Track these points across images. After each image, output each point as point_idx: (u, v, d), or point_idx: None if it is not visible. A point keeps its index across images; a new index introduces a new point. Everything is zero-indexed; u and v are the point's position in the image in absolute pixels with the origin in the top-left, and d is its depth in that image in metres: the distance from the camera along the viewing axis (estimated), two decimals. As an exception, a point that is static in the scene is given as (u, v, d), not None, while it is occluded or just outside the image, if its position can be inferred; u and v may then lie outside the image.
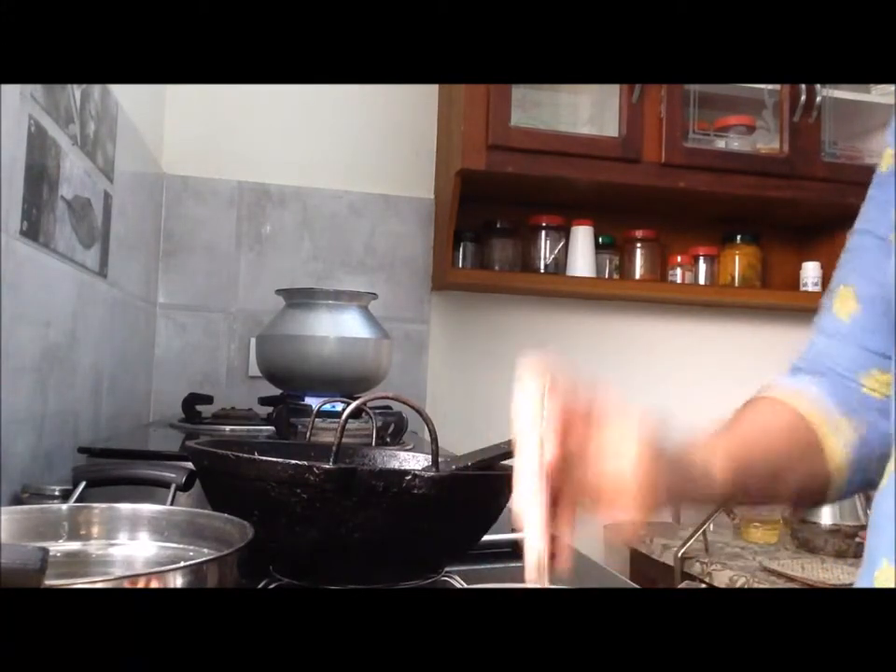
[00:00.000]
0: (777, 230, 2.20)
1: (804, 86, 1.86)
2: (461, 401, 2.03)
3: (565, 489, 0.51)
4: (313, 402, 1.36)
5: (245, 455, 0.64)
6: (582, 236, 2.00)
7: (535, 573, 0.48)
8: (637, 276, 2.08)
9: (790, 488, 0.65)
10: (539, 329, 2.08)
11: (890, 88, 1.92)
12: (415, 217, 2.03)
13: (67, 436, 1.16)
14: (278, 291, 1.60)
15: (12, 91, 0.89)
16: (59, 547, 0.59)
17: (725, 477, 0.58)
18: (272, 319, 1.60)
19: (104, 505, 0.62)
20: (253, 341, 1.81)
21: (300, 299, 1.55)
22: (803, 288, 2.13)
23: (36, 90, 0.96)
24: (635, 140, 1.81)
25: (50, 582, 0.40)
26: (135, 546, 0.61)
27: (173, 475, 0.73)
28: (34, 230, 0.97)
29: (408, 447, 1.19)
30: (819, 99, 1.87)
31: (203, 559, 0.52)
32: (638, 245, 2.09)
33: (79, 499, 0.71)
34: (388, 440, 1.27)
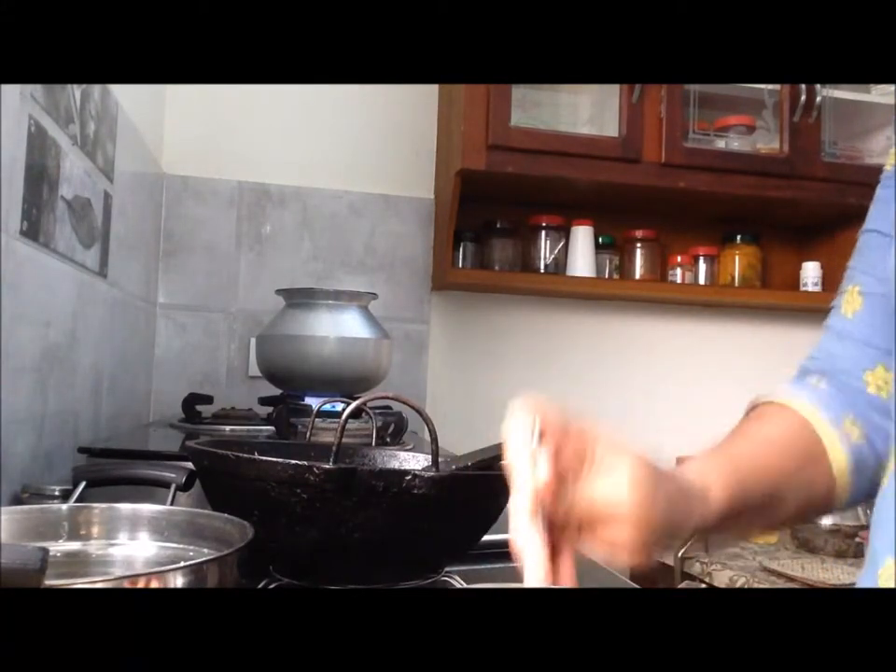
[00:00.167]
0: (777, 230, 2.20)
1: (804, 86, 1.86)
2: (461, 401, 2.03)
3: (563, 524, 0.50)
4: (313, 402, 1.36)
5: (245, 455, 0.64)
6: (582, 236, 2.00)
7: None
8: (637, 276, 2.08)
9: (793, 502, 0.64)
10: (538, 329, 2.08)
11: (890, 88, 1.92)
12: (415, 216, 2.03)
13: (67, 436, 1.16)
14: (278, 291, 1.60)
15: (12, 90, 0.89)
16: (59, 547, 0.59)
17: (720, 512, 0.57)
18: (272, 319, 1.60)
19: (104, 505, 0.62)
20: (253, 341, 1.81)
21: (300, 299, 1.55)
22: (803, 288, 2.13)
23: (36, 90, 0.96)
24: (635, 140, 1.81)
25: (50, 582, 0.40)
26: (135, 546, 0.61)
27: (173, 475, 0.73)
28: (34, 230, 0.97)
29: (408, 447, 1.19)
30: (819, 99, 1.87)
31: (203, 559, 0.52)
32: (638, 244, 2.09)
33: (79, 499, 0.71)
34: (388, 440, 1.27)
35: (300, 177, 1.99)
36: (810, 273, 2.12)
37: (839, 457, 0.65)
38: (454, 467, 0.70)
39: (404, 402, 0.72)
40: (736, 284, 2.10)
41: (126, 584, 0.45)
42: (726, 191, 1.88)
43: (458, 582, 0.68)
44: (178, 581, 0.46)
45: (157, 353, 1.91)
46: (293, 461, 0.61)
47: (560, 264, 2.02)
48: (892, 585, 0.55)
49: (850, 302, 0.70)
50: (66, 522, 0.61)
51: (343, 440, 0.65)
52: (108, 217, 1.33)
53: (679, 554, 1.69)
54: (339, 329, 1.50)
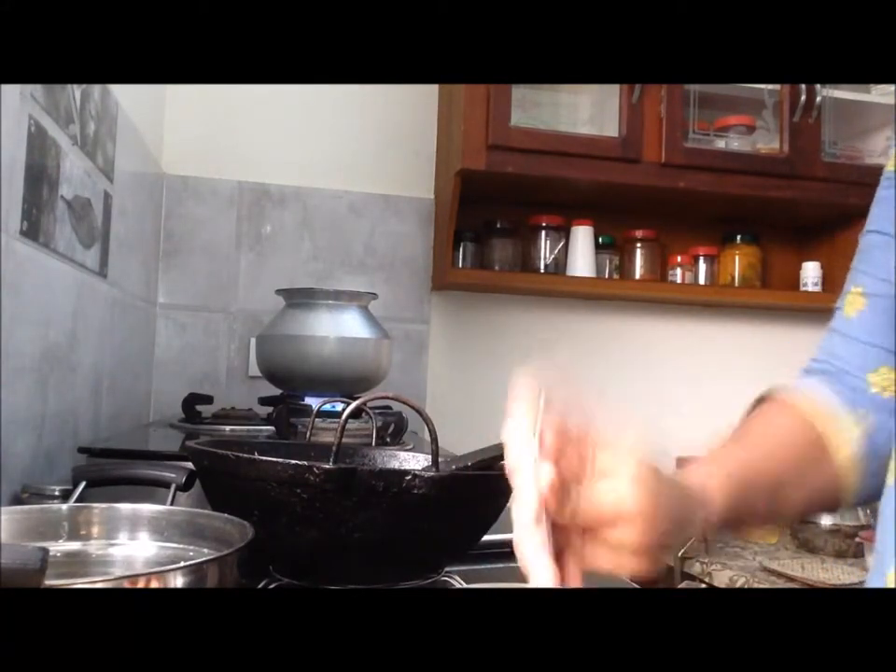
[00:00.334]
0: (777, 230, 2.20)
1: (804, 86, 1.86)
2: (461, 401, 2.03)
3: (567, 529, 0.49)
4: (313, 402, 1.36)
5: (245, 455, 0.64)
6: (582, 236, 2.00)
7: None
8: (637, 276, 2.08)
9: (795, 502, 0.64)
10: (538, 329, 2.08)
11: (890, 88, 1.92)
12: (415, 216, 2.03)
13: (67, 436, 1.16)
14: (278, 291, 1.60)
15: (12, 90, 0.89)
16: (59, 547, 0.59)
17: (722, 513, 0.57)
18: (272, 319, 1.60)
19: (104, 505, 0.62)
20: (253, 341, 1.81)
21: (300, 299, 1.55)
22: (803, 288, 2.13)
23: (36, 90, 0.96)
24: (635, 140, 1.81)
25: (50, 582, 0.40)
26: (135, 546, 0.61)
27: (173, 475, 0.73)
28: (34, 230, 0.97)
29: (408, 447, 1.19)
30: (819, 99, 1.87)
31: (203, 559, 0.52)
32: (638, 244, 2.09)
33: (79, 499, 0.71)
34: (388, 440, 1.27)
35: (300, 177, 1.99)
36: (810, 272, 2.12)
37: (844, 451, 0.65)
38: (454, 467, 0.70)
39: (404, 402, 0.72)
40: (736, 284, 2.10)
41: (126, 584, 0.45)
42: (726, 191, 1.88)
43: (458, 582, 0.68)
44: (178, 581, 0.46)
45: (157, 353, 1.90)
46: (293, 461, 0.61)
47: (560, 264, 2.02)
48: None
49: (853, 303, 0.70)
50: (66, 522, 0.61)
51: (343, 440, 0.65)
52: (108, 217, 1.33)
53: (679, 554, 1.68)
54: (339, 328, 1.50)
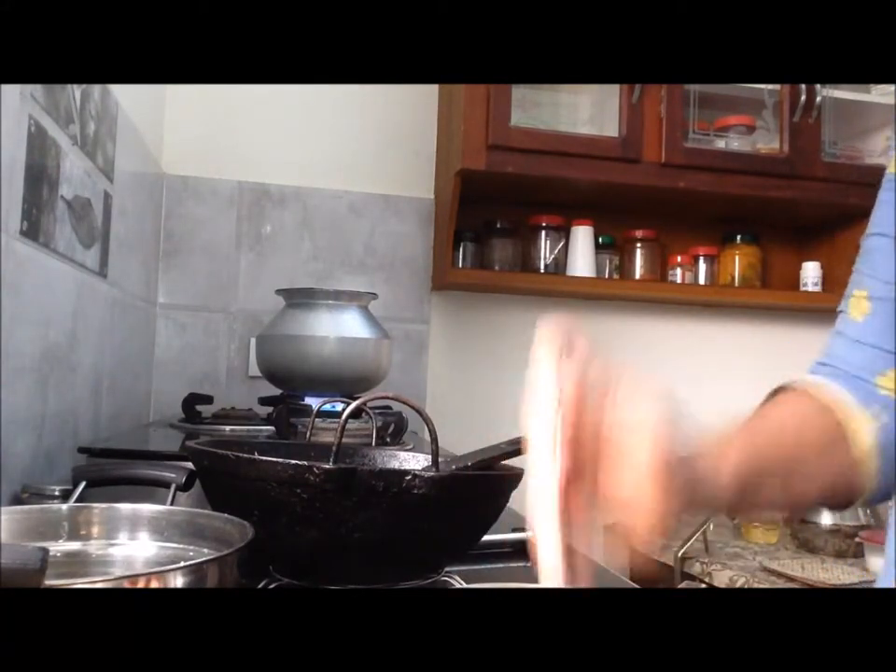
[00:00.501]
0: (777, 230, 2.20)
1: (804, 86, 1.86)
2: (461, 401, 2.03)
3: (579, 483, 0.50)
4: (313, 402, 1.36)
5: (245, 455, 0.64)
6: (582, 236, 2.00)
7: (548, 574, 0.47)
8: (637, 276, 2.08)
9: (810, 488, 0.63)
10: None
11: (890, 88, 1.92)
12: (415, 216, 2.03)
13: (67, 436, 1.16)
14: (278, 291, 1.60)
15: (12, 90, 0.89)
16: (59, 547, 0.59)
17: (734, 478, 0.56)
18: (272, 319, 1.60)
19: (104, 505, 0.62)
20: (253, 341, 1.81)
21: (300, 299, 1.55)
22: (803, 288, 2.13)
23: (36, 90, 0.96)
24: (635, 140, 1.81)
25: (50, 582, 0.40)
26: (135, 546, 0.61)
27: (173, 475, 0.73)
28: (34, 230, 0.97)
29: (408, 447, 1.19)
30: (819, 99, 1.87)
31: (203, 559, 0.52)
32: (638, 244, 2.09)
33: (79, 499, 0.71)
34: (388, 440, 1.27)
35: (300, 177, 1.99)
36: (810, 272, 2.12)
37: (864, 438, 0.64)
38: (454, 467, 0.70)
39: (404, 402, 0.72)
40: (736, 284, 2.10)
41: (126, 584, 0.45)
42: (726, 191, 1.88)
43: (458, 582, 0.68)
44: (178, 581, 0.46)
45: (157, 353, 1.91)
46: (293, 461, 0.61)
47: (560, 264, 2.02)
48: None
49: (858, 307, 0.69)
50: (66, 522, 0.61)
51: (343, 440, 0.65)
52: (108, 217, 1.33)
53: (679, 554, 1.69)
54: (339, 329, 1.50)
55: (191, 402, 1.51)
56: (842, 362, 0.69)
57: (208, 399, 1.57)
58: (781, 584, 1.52)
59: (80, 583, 0.44)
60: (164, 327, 1.92)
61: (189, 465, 0.72)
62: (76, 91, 1.11)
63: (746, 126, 2.01)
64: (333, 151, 2.01)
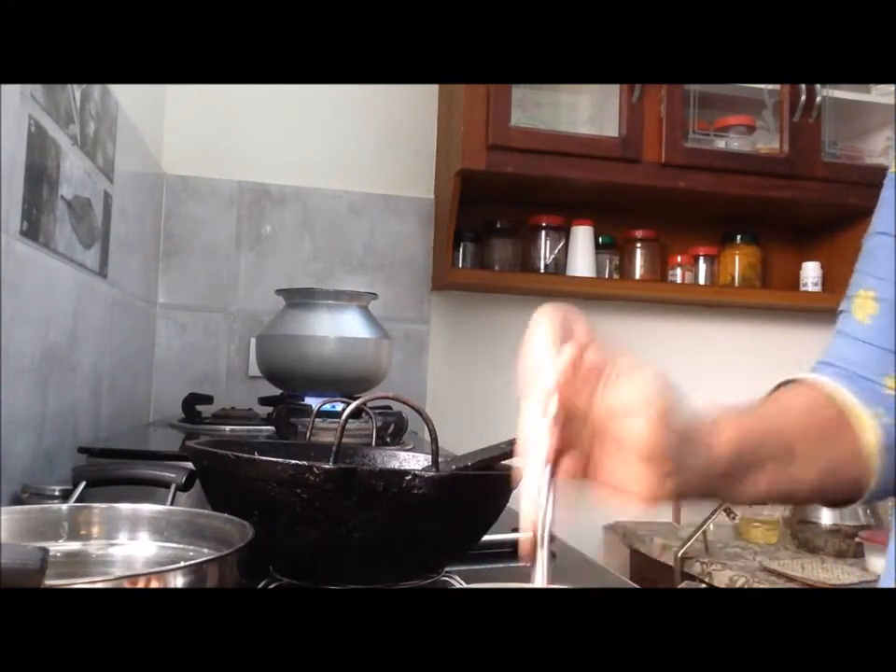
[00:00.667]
0: (777, 230, 2.20)
1: (804, 86, 1.86)
2: (461, 401, 2.03)
3: (572, 446, 0.50)
4: (313, 402, 1.36)
5: (245, 455, 0.64)
6: (582, 236, 2.00)
7: (529, 548, 0.47)
8: (637, 276, 2.08)
9: (813, 472, 0.62)
10: (538, 329, 2.08)
11: (890, 88, 1.92)
12: (415, 216, 2.04)
13: (67, 436, 1.16)
14: (278, 291, 1.60)
15: (12, 90, 0.89)
16: (59, 547, 0.59)
17: (729, 449, 0.56)
18: (272, 319, 1.60)
19: (104, 505, 0.62)
20: (253, 341, 1.81)
21: (300, 299, 1.55)
22: (803, 288, 2.13)
23: (36, 90, 0.96)
24: (635, 140, 1.81)
25: (50, 582, 0.40)
26: (135, 546, 0.61)
27: (173, 475, 0.73)
28: (34, 230, 0.97)
29: (408, 447, 1.19)
30: (819, 99, 1.87)
31: (203, 559, 0.52)
32: (638, 244, 2.09)
33: (79, 499, 0.71)
34: (388, 440, 1.27)
35: (300, 177, 1.99)
36: (810, 272, 2.12)
37: (868, 435, 0.63)
38: (454, 467, 0.70)
39: (404, 402, 0.72)
40: (736, 284, 2.10)
41: (126, 584, 0.45)
42: (726, 191, 1.88)
43: (458, 582, 0.68)
44: (178, 581, 0.46)
45: (157, 353, 1.91)
46: (293, 461, 0.61)
47: (560, 264, 2.02)
48: None
49: (863, 307, 0.69)
50: (66, 522, 0.60)
51: (343, 440, 0.65)
52: (108, 217, 1.33)
53: (679, 554, 1.69)
54: (339, 328, 1.50)
55: (191, 402, 1.51)
56: (846, 362, 0.69)
57: (208, 399, 1.57)
58: (781, 584, 1.52)
59: (80, 583, 0.44)
60: (164, 327, 1.92)
61: (189, 465, 0.72)
62: (76, 91, 1.11)
63: (746, 126, 2.01)
64: (333, 151, 2.01)
